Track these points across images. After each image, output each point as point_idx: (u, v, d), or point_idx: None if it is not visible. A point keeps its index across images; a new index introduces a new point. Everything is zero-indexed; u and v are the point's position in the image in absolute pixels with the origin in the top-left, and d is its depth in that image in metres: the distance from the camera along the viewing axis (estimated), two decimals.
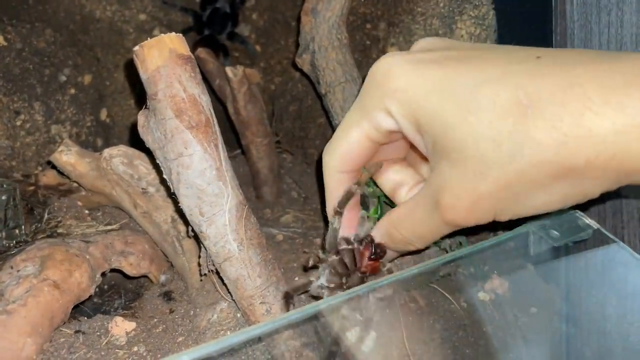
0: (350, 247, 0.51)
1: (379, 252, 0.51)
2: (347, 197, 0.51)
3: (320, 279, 0.52)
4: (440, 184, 0.41)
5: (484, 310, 0.65)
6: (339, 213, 0.51)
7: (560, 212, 0.61)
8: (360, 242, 0.51)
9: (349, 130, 0.48)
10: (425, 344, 0.60)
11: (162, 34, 0.52)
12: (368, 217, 0.58)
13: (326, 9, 0.71)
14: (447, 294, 0.63)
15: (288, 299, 0.52)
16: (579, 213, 0.61)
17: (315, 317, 0.54)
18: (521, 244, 0.64)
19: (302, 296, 0.61)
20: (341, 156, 0.49)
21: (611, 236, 0.62)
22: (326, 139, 0.92)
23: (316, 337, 0.54)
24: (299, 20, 0.75)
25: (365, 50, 0.84)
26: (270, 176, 0.86)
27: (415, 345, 0.59)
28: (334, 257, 0.52)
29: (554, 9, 0.64)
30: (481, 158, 0.38)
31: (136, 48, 0.51)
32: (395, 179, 0.53)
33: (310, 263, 0.53)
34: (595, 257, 0.65)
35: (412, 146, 0.49)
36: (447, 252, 0.64)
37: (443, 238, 0.64)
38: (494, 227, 0.72)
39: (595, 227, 0.61)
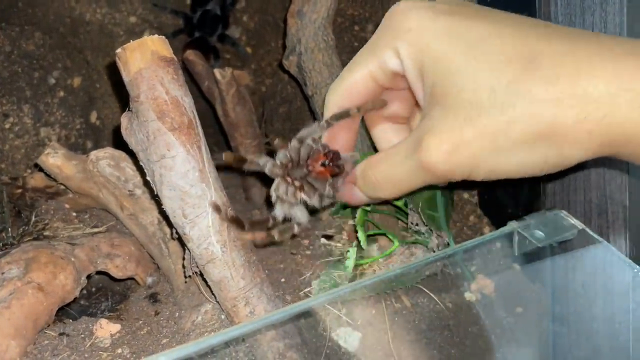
0: (313, 145, 0.50)
1: (334, 164, 0.49)
2: (343, 114, 0.50)
3: (274, 160, 0.51)
4: (427, 128, 0.41)
5: (470, 310, 0.65)
6: (328, 123, 0.50)
7: (544, 211, 0.61)
8: (325, 147, 0.50)
9: (354, 69, 0.48)
10: (411, 344, 0.60)
11: (146, 36, 0.52)
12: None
13: (312, 11, 0.71)
14: (432, 294, 0.63)
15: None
16: (564, 213, 0.62)
17: (298, 317, 0.55)
18: (507, 243, 0.64)
19: (288, 297, 0.61)
20: (343, 92, 0.49)
21: (596, 236, 0.62)
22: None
23: (300, 337, 0.54)
24: (285, 22, 0.75)
25: (353, 52, 0.84)
26: (257, 179, 0.86)
27: (401, 345, 0.59)
28: (295, 144, 0.50)
29: (537, 9, 0.65)
30: (475, 104, 0.38)
31: (118, 50, 0.51)
32: (391, 138, 0.53)
33: (276, 142, 0.52)
34: (581, 257, 0.66)
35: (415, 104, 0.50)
36: (433, 251, 0.65)
37: (430, 232, 0.64)
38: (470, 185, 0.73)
39: (580, 227, 0.61)
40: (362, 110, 0.50)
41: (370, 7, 0.83)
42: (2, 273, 0.55)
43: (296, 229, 0.52)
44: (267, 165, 0.51)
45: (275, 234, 0.52)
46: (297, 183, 0.50)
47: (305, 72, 0.74)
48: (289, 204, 0.51)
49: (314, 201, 0.51)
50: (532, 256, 0.66)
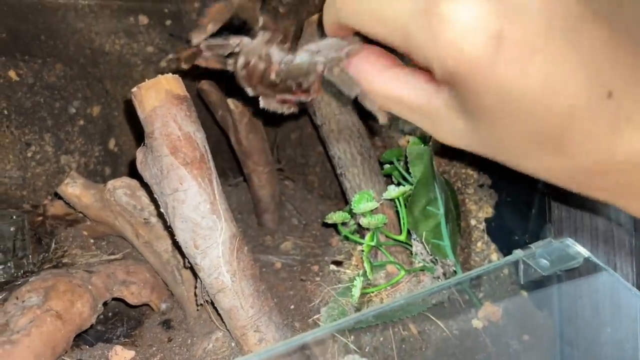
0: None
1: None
2: None
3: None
4: None
5: (477, 337, 0.65)
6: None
7: (550, 239, 0.62)
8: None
9: None
10: None
11: (160, 75, 0.54)
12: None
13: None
14: (439, 322, 0.64)
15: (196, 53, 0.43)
16: (569, 241, 0.62)
17: (305, 346, 0.56)
18: (514, 270, 0.65)
19: (297, 323, 0.63)
20: None
21: (602, 264, 0.62)
22: (325, 166, 0.94)
23: None
24: None
25: None
26: (271, 204, 0.88)
27: None
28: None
29: None
30: None
31: (134, 90, 0.54)
32: None
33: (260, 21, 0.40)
34: (588, 285, 0.66)
35: None
36: (439, 280, 0.66)
37: (434, 262, 0.65)
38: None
39: (586, 255, 0.62)
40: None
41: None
42: (23, 301, 0.58)
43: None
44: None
45: (231, 64, 0.42)
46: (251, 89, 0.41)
47: (315, 103, 0.76)
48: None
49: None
50: (539, 283, 0.67)
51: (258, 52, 0.40)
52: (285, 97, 0.40)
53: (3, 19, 0.92)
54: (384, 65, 0.34)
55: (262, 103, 0.42)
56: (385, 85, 0.33)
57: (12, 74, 0.88)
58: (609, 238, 0.68)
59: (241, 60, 0.41)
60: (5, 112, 0.86)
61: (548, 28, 0.24)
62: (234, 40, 0.41)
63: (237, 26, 0.85)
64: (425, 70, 0.33)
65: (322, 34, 0.39)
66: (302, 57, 0.38)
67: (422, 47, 0.28)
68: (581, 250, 0.62)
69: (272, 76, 0.40)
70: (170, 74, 0.55)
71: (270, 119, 1.04)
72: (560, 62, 0.25)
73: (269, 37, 0.41)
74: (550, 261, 0.62)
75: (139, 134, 1.02)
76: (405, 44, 0.29)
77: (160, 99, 0.53)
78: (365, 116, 0.76)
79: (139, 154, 0.57)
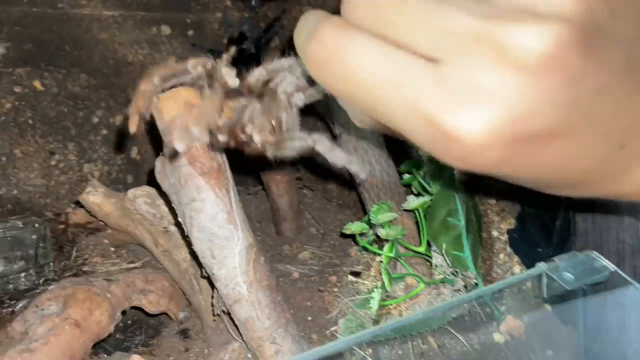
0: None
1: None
2: None
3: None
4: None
5: (499, 352, 0.64)
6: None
7: (575, 252, 0.60)
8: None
9: None
10: None
11: (179, 87, 0.54)
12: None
13: None
14: (460, 335, 0.63)
15: None
16: (595, 254, 0.61)
17: (324, 359, 0.55)
18: (537, 284, 0.63)
19: (314, 335, 0.62)
20: None
21: (628, 278, 0.60)
22: (344, 175, 0.94)
23: None
24: None
25: None
26: (290, 213, 0.88)
27: None
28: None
29: None
30: None
31: (154, 100, 0.54)
32: None
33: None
34: (614, 299, 0.64)
35: None
36: (460, 292, 0.64)
37: (455, 275, 0.64)
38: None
39: (612, 269, 0.60)
40: None
41: None
42: (42, 309, 0.58)
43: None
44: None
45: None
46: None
47: (333, 111, 0.75)
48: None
49: None
50: (563, 297, 0.65)
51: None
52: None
53: (29, 29, 0.94)
54: None
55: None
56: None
57: (37, 83, 0.90)
58: (636, 251, 0.66)
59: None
60: (30, 121, 0.88)
61: (563, 115, 0.22)
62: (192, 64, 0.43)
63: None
64: None
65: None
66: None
67: (424, 146, 0.24)
68: (607, 264, 0.60)
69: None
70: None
71: None
72: (577, 140, 0.23)
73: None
74: (574, 275, 0.61)
75: (159, 144, 1.03)
76: (399, 132, 0.25)
77: (178, 108, 0.53)
78: None
79: (158, 163, 0.57)
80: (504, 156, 0.23)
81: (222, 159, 0.55)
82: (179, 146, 0.41)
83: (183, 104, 0.54)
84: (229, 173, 0.55)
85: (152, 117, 0.56)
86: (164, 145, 0.56)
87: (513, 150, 0.22)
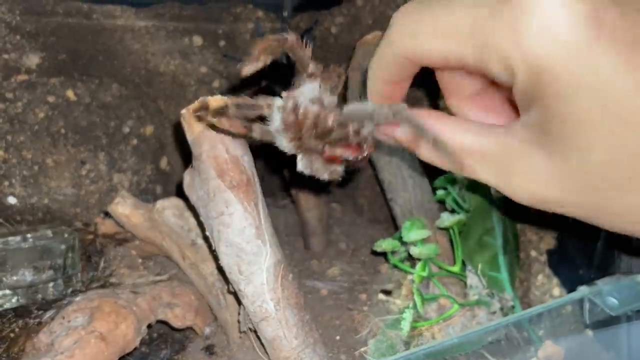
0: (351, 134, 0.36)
1: (354, 161, 0.37)
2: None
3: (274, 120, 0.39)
4: (523, 152, 0.27)
5: None
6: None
7: (619, 275, 0.57)
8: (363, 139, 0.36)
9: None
10: None
11: (209, 97, 0.53)
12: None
13: None
14: None
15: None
16: None
17: None
18: (578, 308, 0.60)
19: (342, 355, 0.60)
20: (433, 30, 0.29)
21: None
22: (374, 190, 0.92)
23: None
24: (347, 75, 0.76)
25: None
26: (318, 227, 0.86)
27: None
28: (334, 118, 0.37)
29: None
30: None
31: (183, 111, 0.53)
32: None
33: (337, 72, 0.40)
34: None
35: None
36: (495, 315, 0.61)
37: (491, 296, 0.61)
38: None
39: None
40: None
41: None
42: (69, 321, 0.58)
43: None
44: (277, 102, 0.40)
45: (257, 130, 0.41)
46: (295, 143, 0.39)
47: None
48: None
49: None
50: (606, 322, 0.62)
51: (309, 96, 0.38)
52: (335, 153, 0.37)
53: (63, 40, 0.95)
54: (444, 118, 0.32)
55: (301, 165, 0.39)
56: (453, 136, 0.31)
57: (69, 93, 0.90)
58: None
59: (290, 104, 0.39)
60: (63, 130, 0.88)
61: None
62: (265, 101, 0.40)
63: (284, 65, 0.85)
64: (501, 94, 0.30)
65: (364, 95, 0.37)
66: (354, 106, 0.36)
67: (502, 47, 0.25)
68: None
69: (329, 121, 0.36)
70: (219, 96, 0.54)
71: None
72: None
73: (318, 84, 0.39)
74: (619, 300, 0.57)
75: (188, 155, 1.03)
76: (480, 52, 0.26)
77: None
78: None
79: (186, 177, 0.56)
80: (588, 35, 0.23)
81: (252, 172, 0.54)
82: (244, 72, 0.41)
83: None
84: (258, 187, 0.54)
85: (181, 129, 0.55)
86: (193, 158, 0.55)
87: (597, 29, 0.23)
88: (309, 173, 0.39)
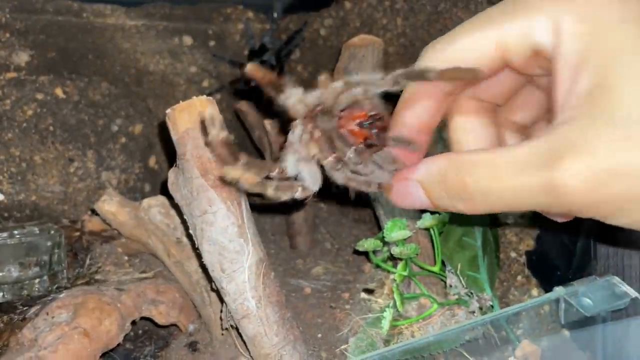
0: (361, 97, 0.37)
1: (376, 131, 0.36)
2: (418, 74, 0.35)
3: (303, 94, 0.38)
4: (572, 142, 0.29)
5: None
6: (395, 79, 0.36)
7: (595, 277, 0.58)
8: (374, 107, 0.37)
9: (478, 26, 0.34)
10: None
11: (195, 97, 0.54)
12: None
13: (358, 68, 0.73)
14: (473, 359, 0.61)
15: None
16: (616, 279, 0.59)
17: None
18: (556, 306, 0.61)
19: (323, 353, 0.61)
20: (450, 54, 0.35)
21: None
22: (360, 191, 0.93)
23: None
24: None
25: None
26: (304, 226, 0.87)
27: None
28: (338, 86, 0.37)
29: None
30: None
31: (168, 111, 0.54)
32: (477, 135, 0.41)
33: (323, 77, 0.39)
34: (635, 327, 0.62)
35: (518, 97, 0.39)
36: (474, 314, 0.63)
37: (470, 296, 0.63)
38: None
39: (634, 296, 0.58)
40: (446, 76, 0.34)
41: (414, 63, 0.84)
42: (53, 317, 0.58)
43: (298, 193, 0.39)
44: (291, 97, 0.38)
45: (270, 187, 0.38)
46: (316, 133, 0.37)
47: None
48: (301, 156, 0.39)
49: (328, 165, 0.37)
50: (582, 322, 0.63)
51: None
52: (351, 124, 0.37)
53: (53, 38, 0.96)
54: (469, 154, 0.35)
55: (332, 170, 0.38)
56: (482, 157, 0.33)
57: (58, 91, 0.91)
58: None
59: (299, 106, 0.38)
60: (51, 128, 0.89)
61: None
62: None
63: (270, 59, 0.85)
64: None
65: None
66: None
67: (551, 10, 0.31)
68: (628, 290, 0.58)
69: (333, 93, 0.36)
70: (204, 97, 0.55)
71: None
72: None
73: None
74: (594, 301, 0.59)
75: (175, 154, 1.03)
76: (525, 26, 0.32)
77: (193, 121, 0.53)
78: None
79: (171, 175, 0.57)
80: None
81: None
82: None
83: (197, 117, 0.54)
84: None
85: (167, 128, 0.56)
86: (177, 157, 0.56)
87: None
88: (343, 180, 0.38)
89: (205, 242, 0.53)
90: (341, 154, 0.36)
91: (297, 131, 0.38)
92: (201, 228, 0.53)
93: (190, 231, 0.56)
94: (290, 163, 0.39)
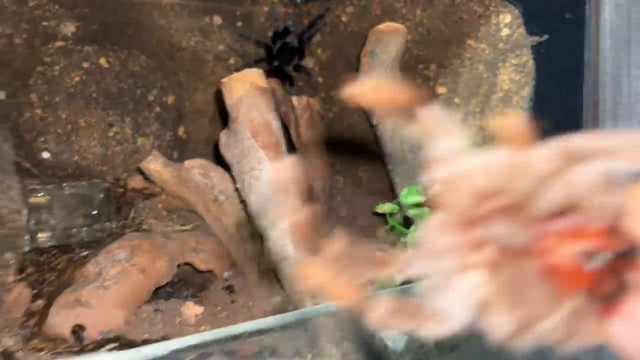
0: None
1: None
2: None
3: None
4: None
5: None
6: None
7: None
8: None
9: None
10: None
11: (247, 69, 0.63)
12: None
13: (383, 51, 0.81)
14: None
15: None
16: None
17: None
18: None
19: None
20: None
21: None
22: (374, 165, 1.02)
23: (354, 331, 0.63)
24: (359, 59, 0.85)
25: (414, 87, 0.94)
26: (322, 195, 0.96)
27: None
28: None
29: (586, 61, 0.72)
30: None
31: (224, 80, 0.63)
32: None
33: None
34: None
35: None
36: None
37: None
38: None
39: None
40: None
41: (435, 50, 0.92)
42: (113, 256, 0.67)
43: (427, 329, 0.22)
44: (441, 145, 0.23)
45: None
46: (487, 253, 0.21)
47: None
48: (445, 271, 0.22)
49: (503, 326, 0.21)
50: None
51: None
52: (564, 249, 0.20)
53: (96, 12, 1.03)
54: None
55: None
56: None
57: (102, 61, 0.99)
58: None
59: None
60: (94, 94, 0.97)
61: None
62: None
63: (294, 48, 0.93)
64: None
65: None
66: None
67: None
68: None
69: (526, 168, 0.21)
70: (255, 69, 0.63)
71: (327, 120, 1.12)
72: None
73: None
74: None
75: (203, 126, 1.11)
76: None
77: (246, 89, 0.62)
78: None
79: (222, 137, 0.66)
80: None
81: (280, 135, 0.63)
82: None
83: (249, 86, 0.62)
84: (284, 148, 0.64)
85: (221, 94, 0.65)
86: (230, 120, 0.64)
87: None
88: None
89: (253, 194, 0.62)
90: (538, 310, 0.20)
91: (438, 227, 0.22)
92: (249, 182, 0.62)
93: (238, 185, 0.64)
94: (419, 270, 0.23)
